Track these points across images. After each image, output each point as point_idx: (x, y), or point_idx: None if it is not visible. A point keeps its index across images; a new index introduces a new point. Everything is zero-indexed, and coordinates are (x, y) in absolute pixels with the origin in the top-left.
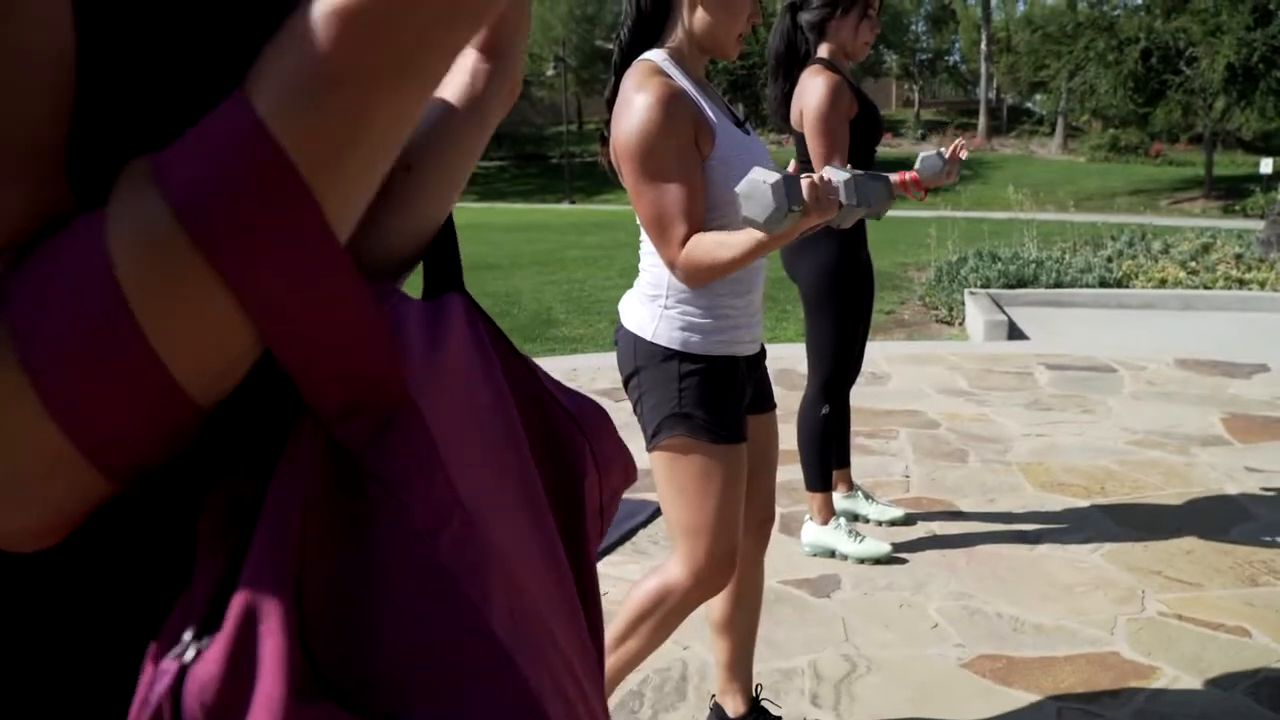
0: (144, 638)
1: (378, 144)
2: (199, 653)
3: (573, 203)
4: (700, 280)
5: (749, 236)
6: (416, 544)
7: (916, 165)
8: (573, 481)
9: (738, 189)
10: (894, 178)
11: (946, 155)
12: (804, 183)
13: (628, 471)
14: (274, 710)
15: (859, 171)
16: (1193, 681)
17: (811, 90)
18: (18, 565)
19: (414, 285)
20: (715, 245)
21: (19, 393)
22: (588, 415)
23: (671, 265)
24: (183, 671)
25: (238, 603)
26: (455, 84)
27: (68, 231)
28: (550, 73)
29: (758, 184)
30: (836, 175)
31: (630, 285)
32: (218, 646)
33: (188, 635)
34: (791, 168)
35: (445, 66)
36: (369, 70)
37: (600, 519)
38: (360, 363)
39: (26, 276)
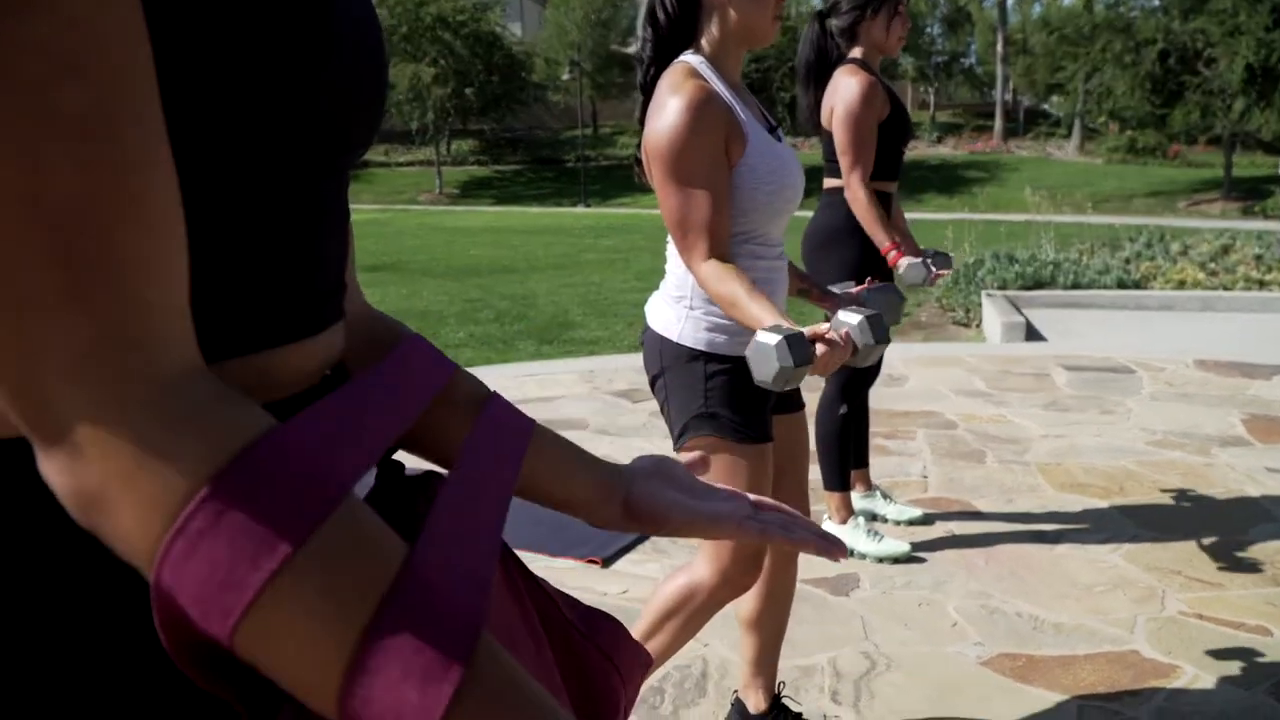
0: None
1: None
2: None
3: (588, 206)
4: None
5: (760, 314)
6: None
7: (899, 272)
8: (603, 707)
9: (746, 352)
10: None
11: (932, 267)
12: (818, 348)
13: (646, 666)
14: None
15: (873, 288)
16: (1213, 680)
17: (845, 89)
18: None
19: None
20: (731, 297)
21: (151, 514)
22: (604, 632)
23: (689, 266)
24: None
25: None
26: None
27: (285, 520)
28: (566, 77)
29: (761, 346)
30: (850, 320)
31: (646, 287)
32: None
33: None
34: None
35: None
36: None
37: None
38: None
39: (236, 495)
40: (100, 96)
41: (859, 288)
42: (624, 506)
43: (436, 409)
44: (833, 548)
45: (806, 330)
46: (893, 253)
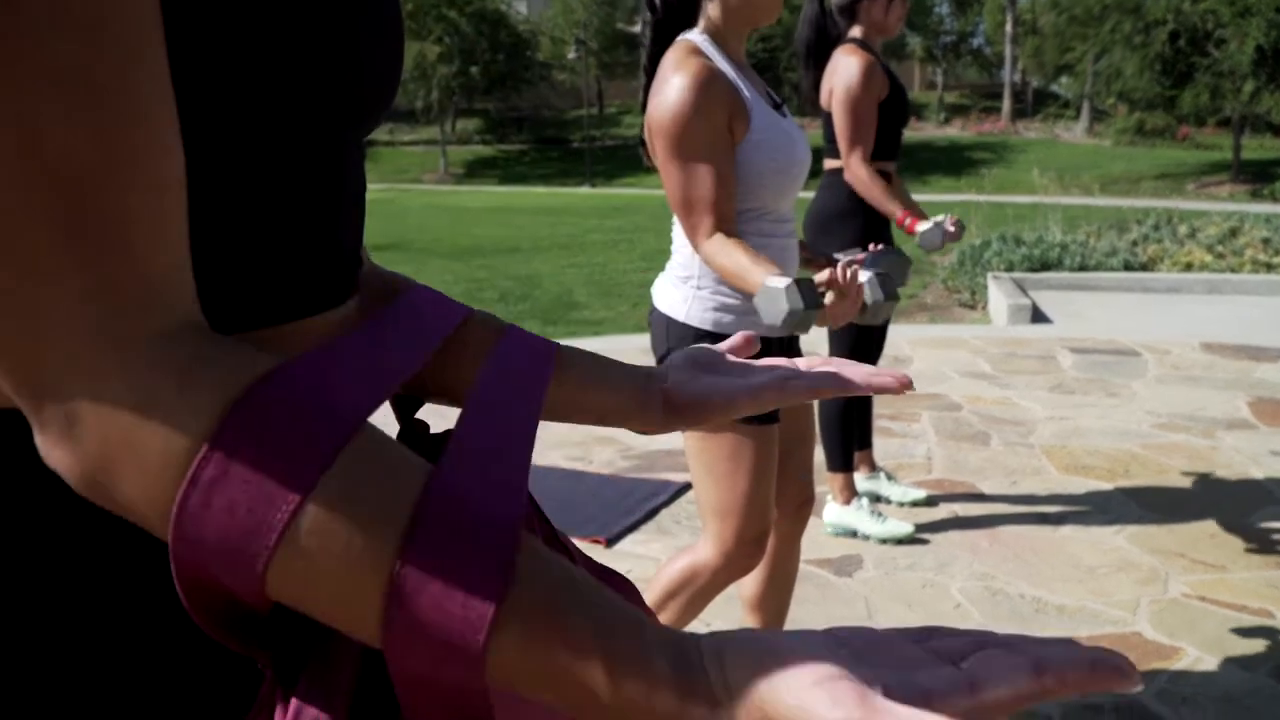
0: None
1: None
2: None
3: (594, 186)
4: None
5: (768, 273)
6: None
7: (917, 239)
8: None
9: (755, 299)
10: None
11: (949, 228)
12: (827, 297)
13: None
14: None
15: (879, 251)
16: (1215, 662)
17: (844, 69)
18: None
19: None
20: (737, 266)
21: (171, 465)
22: (619, 591)
23: (694, 245)
24: None
25: None
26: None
27: (301, 451)
28: (571, 56)
29: (770, 290)
30: (860, 277)
31: (651, 268)
32: None
33: None
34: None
35: None
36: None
37: None
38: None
39: (246, 434)
40: (98, 48)
41: (864, 254)
42: (664, 405)
43: (451, 348)
44: None
45: (815, 277)
46: (907, 220)
